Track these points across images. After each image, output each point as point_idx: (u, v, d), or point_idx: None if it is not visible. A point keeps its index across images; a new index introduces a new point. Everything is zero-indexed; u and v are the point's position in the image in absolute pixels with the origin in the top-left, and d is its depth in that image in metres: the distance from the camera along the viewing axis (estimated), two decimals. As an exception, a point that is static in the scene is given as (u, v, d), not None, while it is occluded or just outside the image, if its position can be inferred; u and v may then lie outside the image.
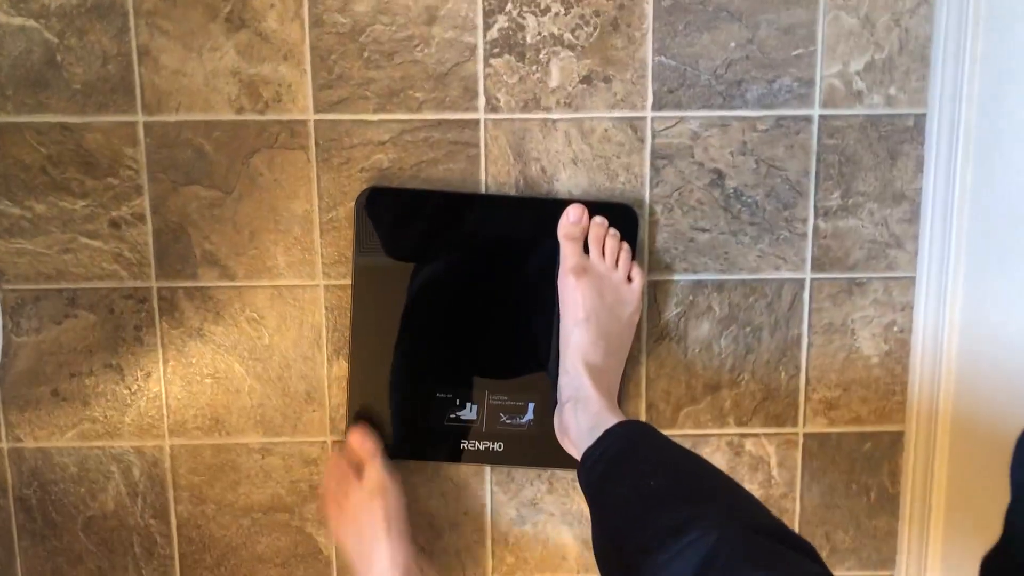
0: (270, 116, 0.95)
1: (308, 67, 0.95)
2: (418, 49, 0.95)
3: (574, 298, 0.92)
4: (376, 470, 0.95)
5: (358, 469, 0.96)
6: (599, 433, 0.81)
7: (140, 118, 0.95)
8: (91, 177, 0.96)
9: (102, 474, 1.02)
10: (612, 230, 0.95)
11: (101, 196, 0.96)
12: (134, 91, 0.95)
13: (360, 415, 0.99)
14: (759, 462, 1.03)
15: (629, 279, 0.94)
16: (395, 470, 0.97)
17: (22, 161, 0.95)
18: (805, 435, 1.02)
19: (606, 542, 0.75)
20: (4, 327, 0.98)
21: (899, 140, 0.97)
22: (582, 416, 0.87)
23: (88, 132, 0.95)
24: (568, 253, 0.94)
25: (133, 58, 0.94)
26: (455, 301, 0.97)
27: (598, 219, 0.94)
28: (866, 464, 1.03)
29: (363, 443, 0.96)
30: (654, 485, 0.71)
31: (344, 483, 0.96)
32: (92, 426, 1.01)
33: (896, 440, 1.03)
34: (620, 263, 0.94)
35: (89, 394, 1.00)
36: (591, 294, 0.92)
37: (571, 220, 0.94)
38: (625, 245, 0.95)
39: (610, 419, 0.83)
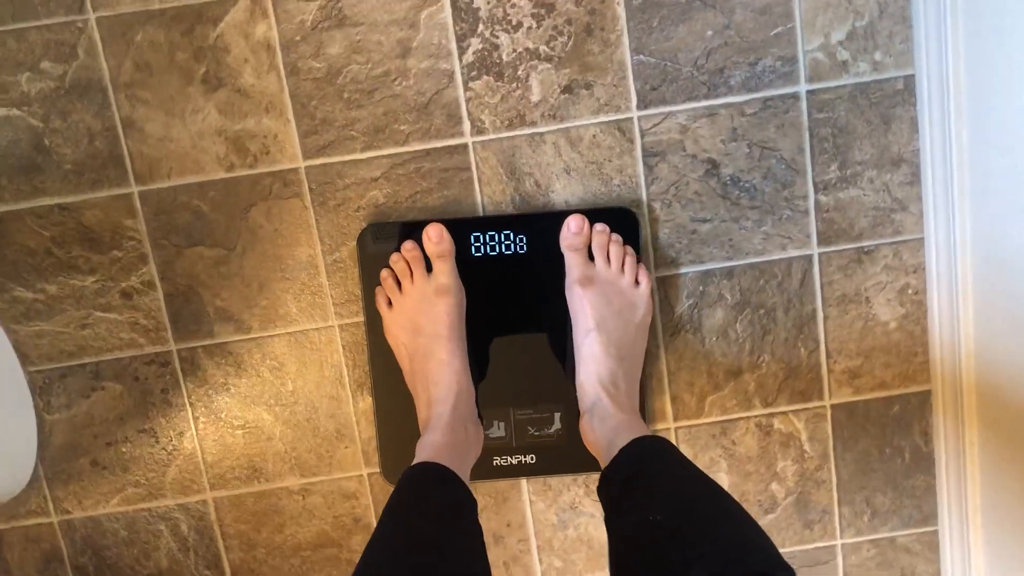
0: (261, 169, 0.96)
1: (291, 116, 0.95)
2: (396, 83, 0.94)
3: (582, 308, 0.93)
4: (449, 267, 0.94)
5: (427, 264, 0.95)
6: (615, 451, 0.81)
7: (134, 189, 0.96)
8: (96, 252, 0.97)
9: (152, 534, 1.05)
10: (615, 235, 0.95)
11: (109, 269, 0.98)
12: (124, 163, 0.95)
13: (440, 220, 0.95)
14: (790, 439, 1.03)
15: (636, 282, 0.95)
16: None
17: (27, 246, 0.97)
18: (832, 407, 1.03)
19: (617, 556, 0.76)
20: (36, 408, 1.01)
21: (891, 104, 0.96)
22: (600, 429, 0.88)
23: (86, 209, 0.96)
24: (572, 264, 0.94)
25: (119, 131, 0.95)
26: (469, 323, 0.97)
27: (599, 226, 0.95)
28: (897, 427, 1.03)
29: (441, 237, 0.94)
30: (658, 521, 0.71)
31: (411, 274, 0.94)
32: (135, 490, 1.03)
33: (924, 399, 1.03)
34: (626, 267, 0.94)
35: (127, 460, 1.03)
36: (599, 302, 0.92)
37: (572, 231, 0.94)
38: (629, 249, 0.95)
39: (624, 435, 0.83)
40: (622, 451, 0.81)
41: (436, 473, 0.82)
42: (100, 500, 1.04)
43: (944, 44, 0.90)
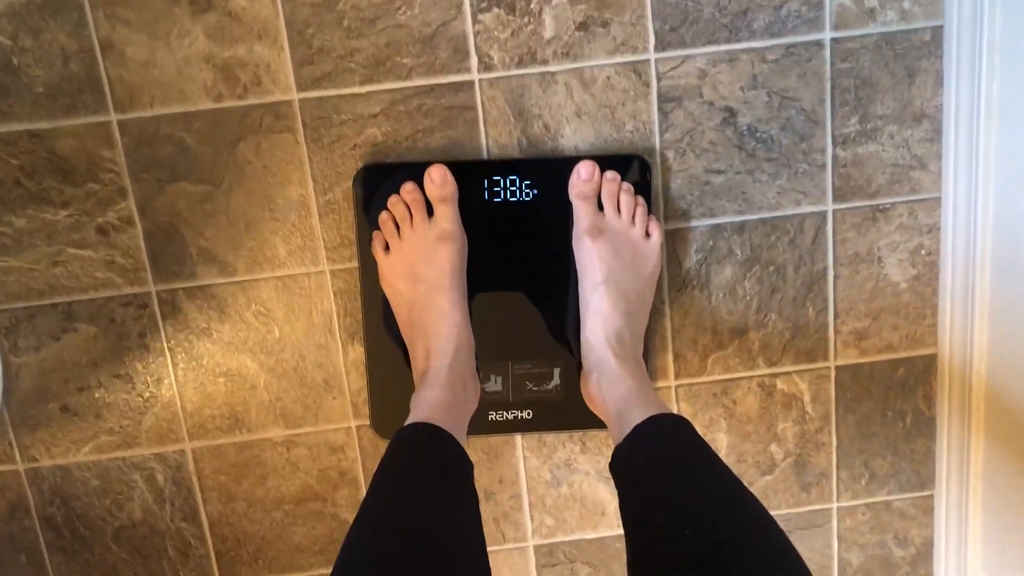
0: (251, 100, 0.89)
1: (285, 44, 0.88)
2: (401, 12, 0.88)
3: (591, 260, 0.89)
4: (452, 212, 0.89)
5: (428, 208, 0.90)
6: (628, 427, 0.76)
7: (113, 117, 0.89)
8: (70, 185, 0.90)
9: (126, 484, 0.99)
10: (625, 184, 0.90)
11: (84, 203, 0.91)
12: (103, 89, 0.88)
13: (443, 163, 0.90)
14: (792, 400, 1.01)
15: (647, 234, 0.90)
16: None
17: (-6, 175, 0.90)
18: (837, 368, 1.00)
19: (638, 559, 0.71)
20: (1, 349, 0.94)
21: (916, 56, 0.92)
22: (607, 392, 0.84)
23: (60, 137, 0.89)
24: (582, 213, 0.90)
25: (96, 54, 0.87)
26: (469, 273, 0.92)
27: (610, 174, 0.90)
28: (900, 390, 1.01)
29: (445, 181, 0.88)
30: (687, 535, 0.67)
31: (411, 218, 0.89)
32: (109, 438, 0.98)
33: (929, 363, 1.01)
34: (636, 218, 0.90)
35: (100, 407, 0.97)
36: (608, 255, 0.88)
37: (583, 178, 0.89)
38: (640, 199, 0.91)
39: (639, 410, 0.78)
40: (637, 429, 0.76)
41: (430, 435, 0.78)
42: (70, 448, 0.98)
43: (978, -6, 0.87)
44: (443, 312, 0.87)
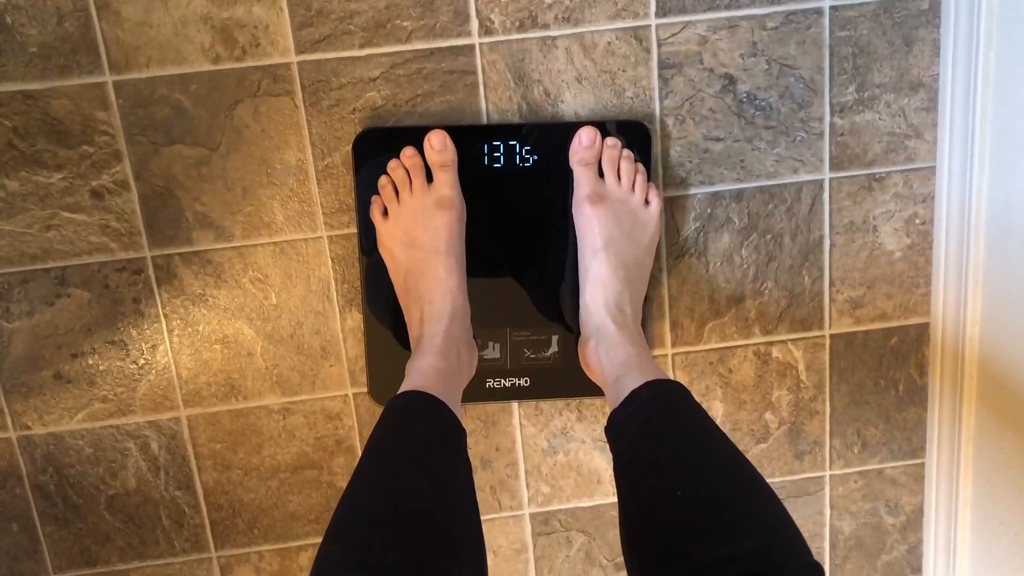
0: (249, 62, 0.88)
1: (284, 5, 0.87)
2: (401, -26, 0.87)
3: (591, 227, 0.88)
4: (451, 178, 0.89)
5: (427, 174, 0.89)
6: (625, 392, 0.77)
7: (108, 78, 0.88)
8: (64, 147, 0.89)
9: (119, 452, 0.98)
10: (626, 151, 0.90)
11: (78, 166, 0.90)
12: (98, 49, 0.87)
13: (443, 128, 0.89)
14: (787, 368, 1.02)
15: (646, 202, 0.90)
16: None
17: (-14, 137, 0.88)
18: (832, 336, 1.01)
19: (630, 544, 0.71)
20: (-6, 314, 0.93)
21: (914, 25, 0.92)
22: (605, 359, 0.84)
23: (54, 98, 0.88)
24: (582, 180, 0.90)
25: (92, 12, 0.86)
26: (468, 238, 0.92)
27: (611, 140, 0.90)
28: (893, 359, 1.02)
29: (445, 146, 0.88)
30: (679, 497, 0.67)
31: (411, 183, 0.89)
32: (102, 405, 0.97)
33: (922, 332, 1.02)
34: (637, 186, 0.90)
35: (94, 373, 0.96)
36: (608, 222, 0.88)
37: (584, 144, 0.89)
38: (640, 166, 0.91)
39: (636, 376, 0.78)
40: (634, 394, 0.76)
41: (423, 403, 0.77)
42: (63, 415, 0.97)
43: (977, -37, 0.87)
44: (439, 278, 0.87)
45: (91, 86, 0.88)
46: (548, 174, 0.91)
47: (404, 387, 0.80)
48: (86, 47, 0.87)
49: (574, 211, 0.91)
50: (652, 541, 0.67)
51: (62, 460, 0.98)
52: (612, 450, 0.78)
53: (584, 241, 0.90)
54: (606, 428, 0.78)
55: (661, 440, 0.73)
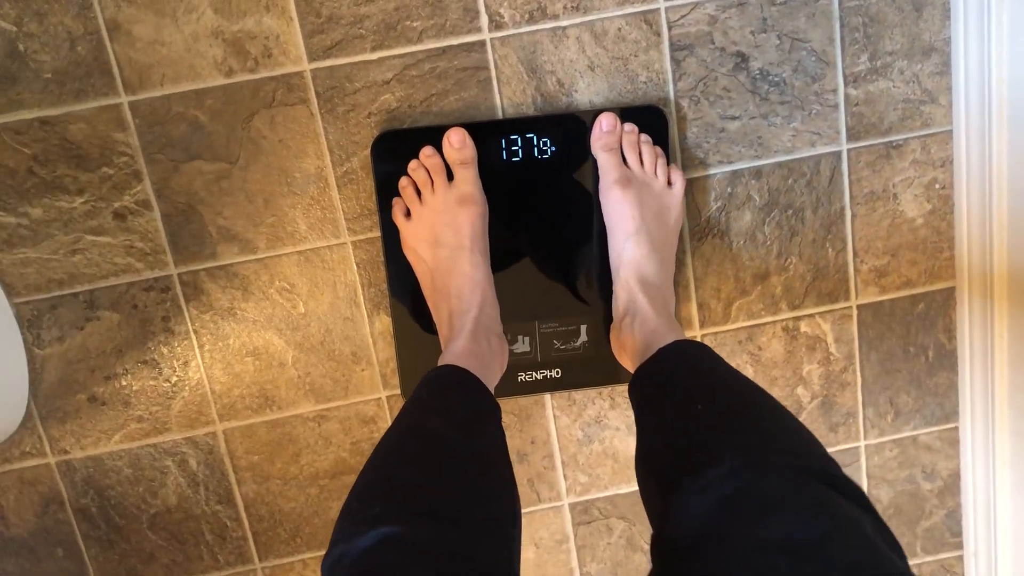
0: (263, 73, 0.88)
1: (294, 14, 0.87)
2: (408, -26, 0.87)
3: (622, 210, 0.89)
4: (472, 175, 0.89)
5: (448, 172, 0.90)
6: (653, 351, 0.78)
7: (124, 99, 0.88)
8: (84, 170, 0.89)
9: (158, 471, 0.99)
10: (644, 136, 0.91)
11: (99, 189, 0.90)
12: (111, 71, 0.87)
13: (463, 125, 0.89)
14: (816, 342, 1.02)
15: (669, 183, 0.91)
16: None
17: (6, 165, 0.88)
18: (859, 307, 1.01)
19: (645, 462, 0.72)
20: (25, 342, 0.93)
21: (922, -10, 0.92)
22: (638, 332, 0.85)
23: (71, 123, 0.88)
24: (608, 165, 0.90)
25: (103, 35, 0.86)
26: (491, 234, 0.92)
27: (628, 126, 0.90)
28: (920, 325, 1.02)
29: (464, 144, 0.88)
30: (700, 409, 0.67)
31: (432, 183, 0.89)
32: (138, 425, 0.97)
33: (948, 296, 1.02)
34: (658, 169, 0.90)
35: (128, 394, 0.96)
36: (639, 204, 0.88)
37: (605, 129, 0.89)
38: (659, 149, 0.91)
39: (666, 336, 0.80)
40: (661, 351, 0.77)
41: (458, 376, 0.78)
42: (100, 438, 0.97)
43: (982, -76, 0.87)
44: (466, 274, 0.87)
45: (107, 108, 0.88)
46: (568, 164, 0.91)
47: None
48: (100, 69, 0.87)
49: (602, 196, 0.91)
50: (657, 453, 0.67)
51: (102, 482, 0.98)
52: (633, 402, 0.79)
53: (617, 226, 0.90)
54: (629, 387, 0.79)
55: (683, 384, 0.74)
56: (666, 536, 0.60)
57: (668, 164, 0.91)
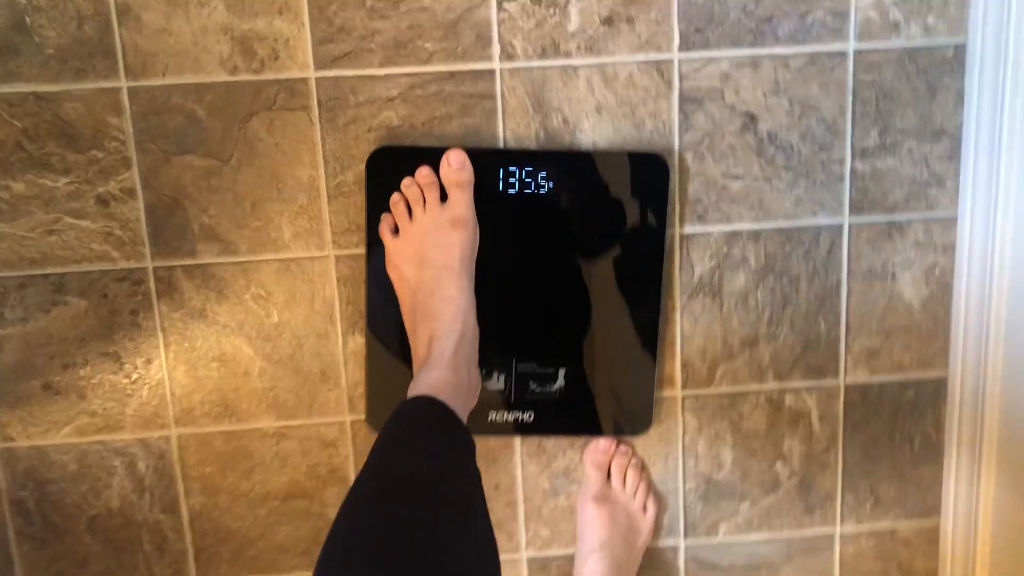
0: (267, 75, 0.87)
1: (306, 19, 0.87)
2: (425, -6, 0.87)
3: (592, 525, 0.95)
4: (467, 198, 0.87)
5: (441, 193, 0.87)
6: None
7: (124, 83, 0.87)
8: (73, 151, 0.88)
9: (104, 470, 0.95)
10: (635, 459, 0.97)
11: (86, 171, 0.88)
12: (115, 54, 0.86)
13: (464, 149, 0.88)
14: (800, 417, 0.98)
15: (645, 508, 0.98)
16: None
17: (-5, 136, 0.87)
18: (847, 386, 0.98)
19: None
20: (-13, 319, 0.90)
21: (938, 73, 0.92)
22: None
23: (67, 101, 0.86)
24: (592, 480, 0.97)
25: (112, 17, 0.85)
26: (479, 263, 0.90)
27: (623, 448, 0.96)
28: (909, 413, 0.99)
29: (463, 166, 0.86)
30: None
31: (424, 201, 0.87)
32: (91, 420, 0.93)
33: (939, 387, 0.99)
34: (639, 492, 0.97)
35: (85, 386, 0.93)
36: (608, 522, 0.95)
37: (600, 449, 0.96)
38: (645, 474, 0.98)
39: None
40: None
41: (440, 414, 0.75)
42: (50, 428, 0.93)
43: (1006, 10, 0.87)
44: (450, 297, 0.85)
45: (105, 91, 0.87)
46: (565, 202, 0.90)
47: (411, 394, 0.78)
48: (103, 51, 0.86)
49: (579, 506, 0.97)
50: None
51: (44, 476, 0.94)
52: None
53: (583, 536, 0.96)
54: None
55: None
56: None
57: (649, 492, 0.98)
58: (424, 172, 0.86)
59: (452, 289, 0.84)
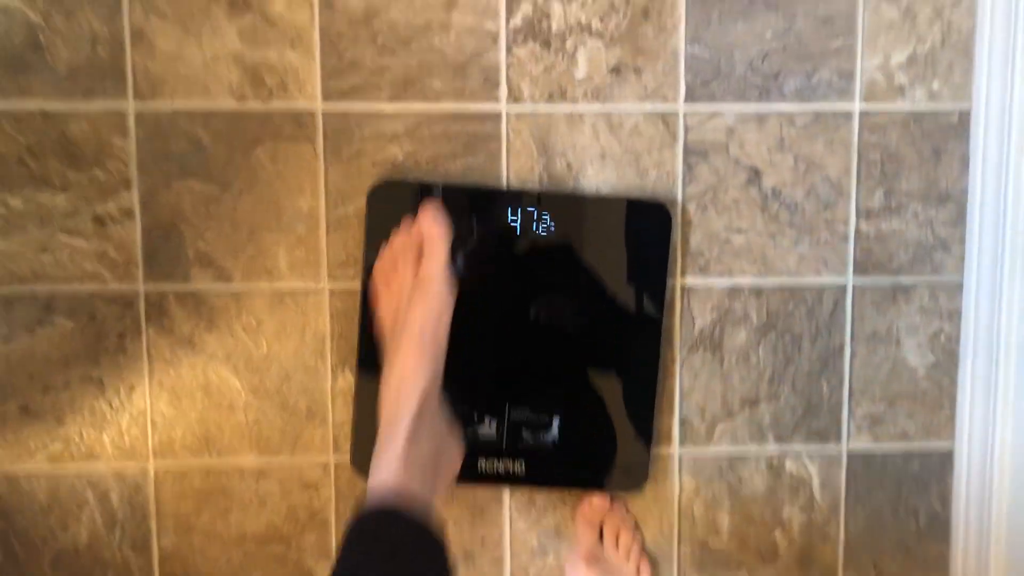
0: (275, 105, 0.88)
1: (317, 53, 0.88)
2: (436, 36, 0.88)
3: None
4: (438, 254, 0.82)
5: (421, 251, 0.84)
6: None
7: (131, 105, 0.87)
8: (74, 168, 0.87)
9: (75, 502, 0.91)
10: (628, 520, 0.94)
11: (85, 189, 0.88)
12: (125, 76, 0.87)
13: (439, 191, 0.86)
14: (801, 483, 0.95)
15: (637, 571, 0.94)
16: (452, 272, 0.83)
17: (-2, 151, 0.87)
18: (849, 454, 0.95)
19: None
20: (-29, 336, 0.88)
21: (943, 137, 0.92)
22: None
23: (73, 120, 0.87)
24: (584, 539, 0.93)
25: (125, 41, 0.86)
26: (471, 304, 0.87)
27: (617, 506, 0.93)
28: (914, 485, 0.96)
29: (433, 222, 0.82)
30: None
31: (401, 262, 0.84)
32: (66, 447, 0.90)
33: (945, 460, 0.95)
34: (632, 555, 0.94)
35: (64, 411, 0.90)
36: None
37: (594, 507, 0.93)
38: (639, 536, 0.94)
39: None
40: None
41: (396, 519, 0.69)
42: (22, 453, 0.90)
43: (1010, 79, 0.87)
44: (408, 370, 0.79)
45: (112, 112, 0.87)
46: (564, 245, 0.89)
47: (371, 482, 0.73)
48: (114, 73, 0.86)
49: (568, 566, 0.93)
50: None
51: (10, 503, 0.91)
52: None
53: None
54: None
55: None
56: None
57: (642, 554, 0.94)
58: (401, 236, 0.85)
59: (411, 358, 0.79)
